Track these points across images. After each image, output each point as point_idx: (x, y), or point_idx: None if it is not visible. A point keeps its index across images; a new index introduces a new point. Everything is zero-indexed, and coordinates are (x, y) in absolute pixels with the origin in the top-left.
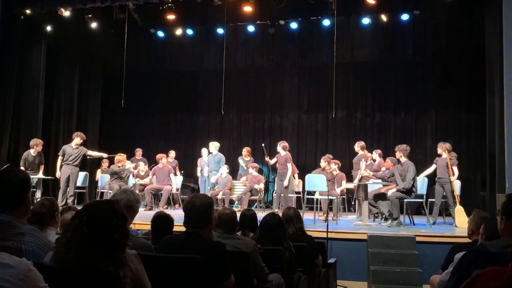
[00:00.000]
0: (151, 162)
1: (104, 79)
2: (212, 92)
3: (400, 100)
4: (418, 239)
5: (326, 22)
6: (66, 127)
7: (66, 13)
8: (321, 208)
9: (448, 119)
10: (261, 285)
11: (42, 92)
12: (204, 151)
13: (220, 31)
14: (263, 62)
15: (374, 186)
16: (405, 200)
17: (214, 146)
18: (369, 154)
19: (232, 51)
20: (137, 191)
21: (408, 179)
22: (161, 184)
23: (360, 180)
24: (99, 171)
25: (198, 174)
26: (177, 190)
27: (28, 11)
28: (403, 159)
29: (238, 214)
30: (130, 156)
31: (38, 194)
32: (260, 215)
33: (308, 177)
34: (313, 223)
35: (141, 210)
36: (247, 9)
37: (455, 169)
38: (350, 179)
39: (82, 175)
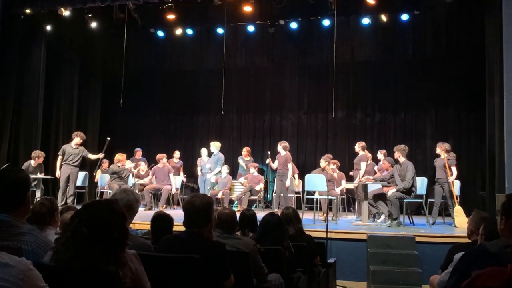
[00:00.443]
0: (151, 162)
1: (104, 79)
2: (212, 92)
3: (400, 100)
4: (417, 239)
5: (326, 22)
6: (66, 126)
7: (66, 13)
8: (320, 208)
9: (448, 119)
10: (260, 285)
11: (42, 92)
12: (203, 151)
13: (220, 31)
14: (263, 62)
15: (374, 186)
16: (404, 200)
17: (215, 146)
18: (369, 155)
19: (232, 51)
20: (136, 191)
21: (408, 178)
22: (161, 184)
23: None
24: (99, 171)
25: (198, 173)
26: (177, 190)
27: (28, 11)
28: (402, 159)
29: (238, 214)
30: (130, 156)
31: (38, 194)
32: (260, 215)
33: (307, 177)
34: (313, 223)
35: (141, 209)
36: (247, 9)
37: (454, 169)
38: (349, 179)
39: (82, 175)
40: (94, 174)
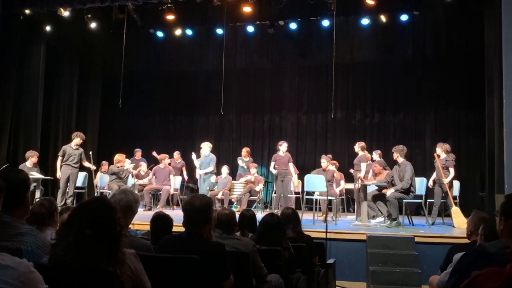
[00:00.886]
0: (151, 162)
1: (104, 79)
2: (212, 93)
3: (400, 101)
4: (417, 239)
5: (326, 23)
6: (65, 127)
7: (66, 13)
8: (320, 208)
9: (447, 120)
10: (260, 285)
11: (41, 92)
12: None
13: (219, 31)
14: (262, 63)
15: (374, 187)
16: (404, 200)
17: (208, 146)
18: (369, 155)
19: (232, 52)
20: (136, 191)
21: (406, 179)
22: (161, 184)
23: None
24: (98, 172)
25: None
26: (176, 190)
27: (27, 11)
28: (400, 160)
29: (237, 215)
30: (129, 156)
31: (37, 194)
32: (259, 215)
33: (307, 177)
34: (312, 224)
35: (140, 210)
36: (247, 9)
37: (452, 170)
38: (349, 179)
39: (81, 175)
40: (92, 171)
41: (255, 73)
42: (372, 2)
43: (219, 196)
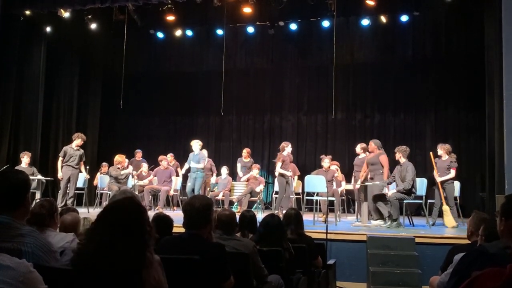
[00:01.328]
0: (151, 163)
1: (104, 80)
2: (212, 93)
3: (400, 101)
4: (417, 240)
5: (326, 23)
6: (65, 128)
7: (66, 14)
8: (320, 209)
9: (447, 120)
10: (260, 286)
11: (41, 93)
12: (204, 152)
13: (219, 32)
14: (262, 63)
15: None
16: (404, 201)
17: (198, 144)
18: None
19: (232, 52)
20: (136, 192)
21: (408, 179)
22: (161, 185)
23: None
24: (98, 173)
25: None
26: (176, 191)
27: (27, 12)
28: (403, 160)
29: (238, 215)
30: (130, 157)
31: (37, 195)
32: (260, 216)
33: (307, 178)
34: (313, 224)
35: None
36: (247, 10)
37: (453, 171)
38: (349, 180)
39: (81, 176)
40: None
41: (255, 73)
42: (372, 3)
43: (220, 197)
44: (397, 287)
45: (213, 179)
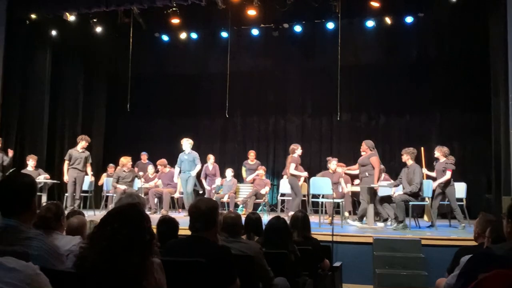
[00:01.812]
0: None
1: (109, 83)
2: (216, 96)
3: (405, 103)
4: (423, 242)
5: (330, 25)
6: (71, 130)
7: (71, 18)
8: (326, 211)
9: (453, 122)
10: None
11: (47, 96)
12: (210, 157)
13: (224, 34)
14: (267, 65)
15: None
16: (410, 203)
17: (188, 143)
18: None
19: (236, 55)
20: (142, 195)
21: (416, 182)
22: (165, 187)
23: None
24: (104, 175)
25: (204, 182)
26: (181, 193)
27: (33, 16)
28: (410, 162)
29: (243, 218)
30: (135, 159)
31: (44, 198)
32: (265, 218)
33: (313, 180)
34: (319, 226)
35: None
36: (251, 12)
37: (449, 173)
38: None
39: (87, 179)
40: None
41: (260, 75)
42: (376, 4)
43: (225, 199)
44: None
45: (218, 181)
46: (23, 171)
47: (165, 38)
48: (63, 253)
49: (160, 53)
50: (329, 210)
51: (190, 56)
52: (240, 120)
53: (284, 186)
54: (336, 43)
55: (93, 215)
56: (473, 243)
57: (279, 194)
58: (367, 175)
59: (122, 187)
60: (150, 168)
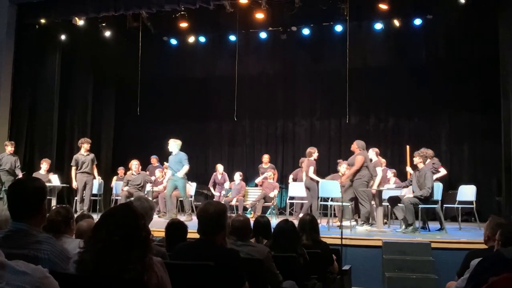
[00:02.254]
0: None
1: (118, 87)
2: (225, 99)
3: (414, 105)
4: (433, 245)
5: (339, 28)
6: (80, 134)
7: (80, 22)
8: (335, 214)
9: (462, 124)
10: None
11: (56, 101)
12: (219, 167)
13: (232, 38)
14: (275, 69)
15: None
16: (419, 206)
17: (176, 144)
18: (383, 160)
19: (245, 58)
20: (151, 198)
21: (428, 186)
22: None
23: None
24: (114, 178)
25: (210, 186)
26: (190, 197)
27: (42, 21)
28: (421, 166)
29: (252, 221)
30: (144, 163)
31: (53, 202)
32: (274, 221)
33: (322, 183)
34: (327, 230)
35: (155, 217)
36: (259, 16)
37: (442, 169)
38: None
39: (95, 182)
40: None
41: (268, 79)
42: (385, 7)
43: (233, 202)
44: None
45: (226, 185)
46: (34, 174)
47: (173, 42)
48: (72, 256)
49: (168, 56)
50: (338, 213)
51: (199, 60)
52: (249, 123)
53: (294, 189)
54: (345, 45)
55: None
56: (483, 246)
57: (288, 197)
58: (357, 176)
59: (128, 190)
60: (158, 172)
